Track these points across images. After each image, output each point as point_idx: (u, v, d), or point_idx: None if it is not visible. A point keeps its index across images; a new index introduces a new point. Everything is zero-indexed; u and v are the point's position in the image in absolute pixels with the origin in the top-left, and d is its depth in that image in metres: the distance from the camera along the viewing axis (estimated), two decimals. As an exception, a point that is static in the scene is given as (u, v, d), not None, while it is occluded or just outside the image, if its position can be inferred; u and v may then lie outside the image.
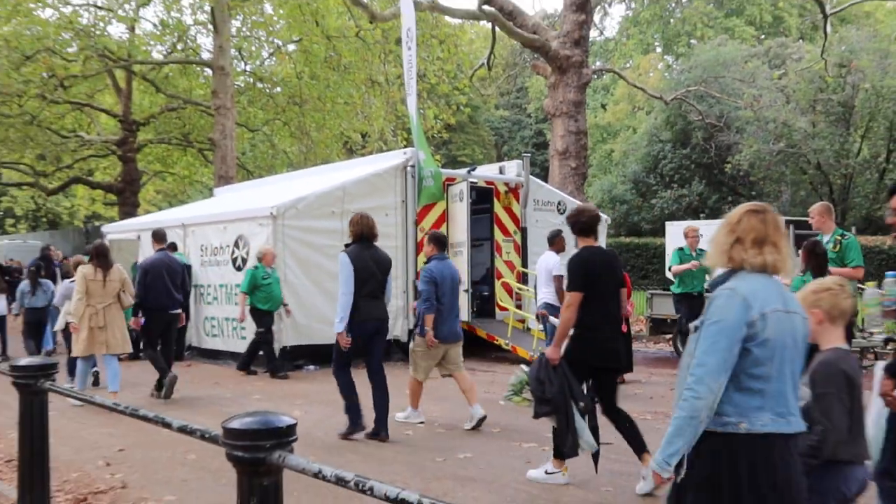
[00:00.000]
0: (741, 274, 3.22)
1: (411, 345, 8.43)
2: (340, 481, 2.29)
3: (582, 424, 5.75)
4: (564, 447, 5.84)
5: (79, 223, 37.98)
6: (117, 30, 25.20)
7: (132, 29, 25.32)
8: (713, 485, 3.05)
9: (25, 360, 3.87)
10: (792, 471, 3.07)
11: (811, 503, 3.31)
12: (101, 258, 9.27)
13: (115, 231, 17.49)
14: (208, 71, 24.38)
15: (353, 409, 7.55)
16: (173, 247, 12.72)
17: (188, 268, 13.56)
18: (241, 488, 2.43)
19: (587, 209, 6.24)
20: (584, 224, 6.07)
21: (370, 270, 7.68)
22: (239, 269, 12.47)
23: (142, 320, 10.00)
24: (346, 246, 7.92)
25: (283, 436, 2.40)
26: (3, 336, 14.03)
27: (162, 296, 9.94)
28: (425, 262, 8.51)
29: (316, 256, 12.11)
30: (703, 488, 3.08)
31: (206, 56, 25.14)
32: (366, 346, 7.73)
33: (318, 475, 2.31)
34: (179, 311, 10.42)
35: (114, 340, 9.14)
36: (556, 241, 10.54)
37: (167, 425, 3.03)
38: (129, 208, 26.29)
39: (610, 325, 5.83)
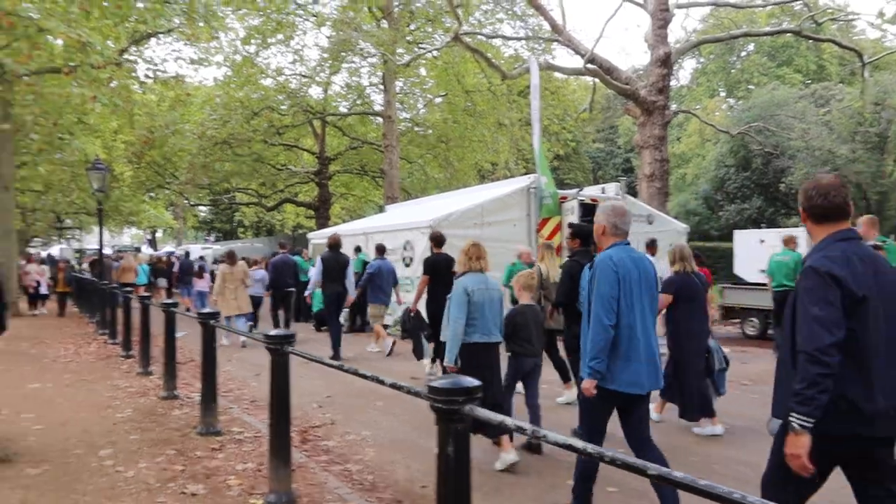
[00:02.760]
0: (469, 273, 5.02)
1: (369, 310, 10.84)
2: (519, 430, 2.26)
3: (426, 344, 8.62)
4: (416, 354, 8.89)
5: (288, 231, 39.67)
6: (316, 91, 25.98)
7: (326, 90, 26.15)
8: (466, 366, 4.78)
9: (275, 331, 4.03)
10: (491, 360, 4.96)
11: (506, 374, 5.28)
12: (230, 258, 12.03)
13: (316, 237, 18.10)
14: (379, 119, 24.89)
15: (337, 343, 10.04)
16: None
17: (352, 262, 13.88)
18: (441, 432, 2.40)
19: (441, 233, 8.53)
20: (436, 240, 8.33)
21: (333, 266, 10.28)
22: (407, 265, 12.59)
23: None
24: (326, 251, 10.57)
25: (472, 393, 2.36)
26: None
27: (283, 280, 12.58)
28: (371, 261, 11.09)
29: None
30: (465, 368, 4.78)
31: (377, 108, 25.66)
32: (334, 307, 10.39)
33: (500, 424, 2.29)
34: (293, 289, 13.06)
35: (242, 306, 11.76)
36: (651, 247, 10.31)
37: (381, 382, 3.02)
38: (323, 220, 27.15)
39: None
